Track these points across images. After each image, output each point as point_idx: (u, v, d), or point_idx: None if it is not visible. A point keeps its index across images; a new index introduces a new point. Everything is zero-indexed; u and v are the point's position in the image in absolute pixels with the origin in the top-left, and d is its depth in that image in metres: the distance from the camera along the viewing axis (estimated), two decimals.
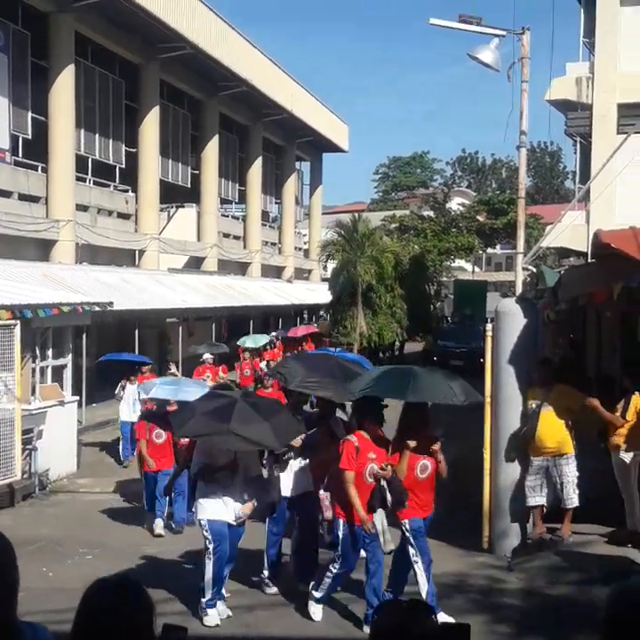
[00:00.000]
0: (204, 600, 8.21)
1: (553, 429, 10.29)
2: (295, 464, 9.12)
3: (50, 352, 16.22)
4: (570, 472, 10.42)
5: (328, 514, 8.35)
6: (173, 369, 19.48)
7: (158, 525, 12.06)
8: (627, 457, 10.35)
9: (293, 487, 9.10)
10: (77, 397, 17.63)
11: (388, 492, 7.74)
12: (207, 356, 21.15)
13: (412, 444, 7.82)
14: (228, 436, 7.60)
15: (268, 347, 27.36)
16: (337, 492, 7.90)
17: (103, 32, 26.67)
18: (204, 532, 8.18)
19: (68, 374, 16.81)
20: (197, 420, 7.85)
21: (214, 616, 8.15)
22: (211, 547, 8.18)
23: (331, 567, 8.04)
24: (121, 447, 17.29)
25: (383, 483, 7.72)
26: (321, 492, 8.55)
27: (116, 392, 17.58)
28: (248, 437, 7.65)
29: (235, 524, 8.29)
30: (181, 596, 8.79)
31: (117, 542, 11.70)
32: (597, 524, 10.63)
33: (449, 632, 2.67)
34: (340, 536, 7.81)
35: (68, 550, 11.16)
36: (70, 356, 16.94)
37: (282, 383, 8.98)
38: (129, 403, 16.80)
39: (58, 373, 16.58)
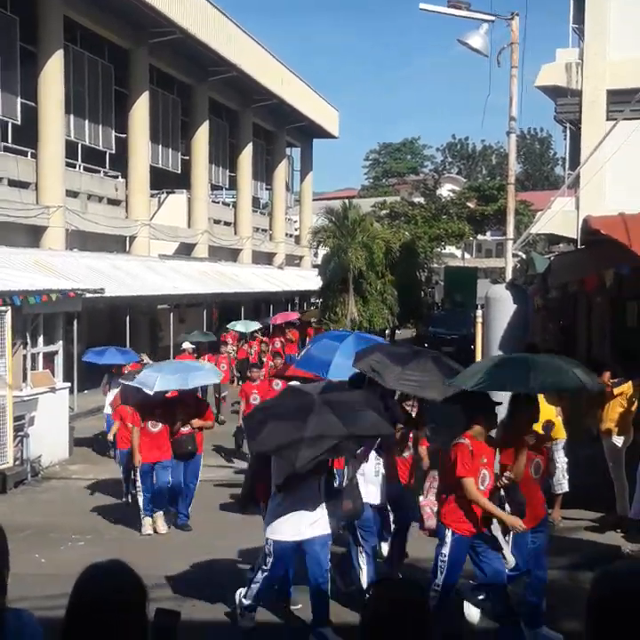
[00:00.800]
0: (244, 601, 7.64)
1: (543, 415, 10.35)
2: (369, 466, 8.26)
3: (41, 339, 16.21)
4: (560, 458, 10.50)
5: (430, 522, 7.40)
6: (146, 359, 18.32)
7: (148, 523, 11.34)
8: (618, 441, 10.44)
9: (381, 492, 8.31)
10: (69, 384, 17.64)
11: (506, 503, 6.95)
12: (186, 345, 20.93)
13: (531, 440, 7.10)
14: (349, 442, 6.91)
15: (257, 334, 27.45)
16: (449, 499, 6.93)
17: (92, 17, 26.50)
18: (267, 547, 7.40)
19: (59, 361, 16.82)
20: (309, 441, 6.69)
21: (250, 620, 7.71)
22: (269, 563, 7.39)
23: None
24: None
25: (501, 492, 6.96)
26: (421, 498, 7.66)
27: (103, 385, 17.00)
28: (366, 434, 7.15)
29: (310, 536, 7.35)
30: (174, 581, 8.83)
31: (110, 528, 11.74)
32: (587, 509, 10.71)
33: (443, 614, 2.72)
34: (448, 546, 6.87)
35: (60, 536, 11.19)
36: (61, 342, 16.94)
37: (378, 380, 7.85)
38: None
39: (49, 360, 16.59)
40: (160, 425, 11.36)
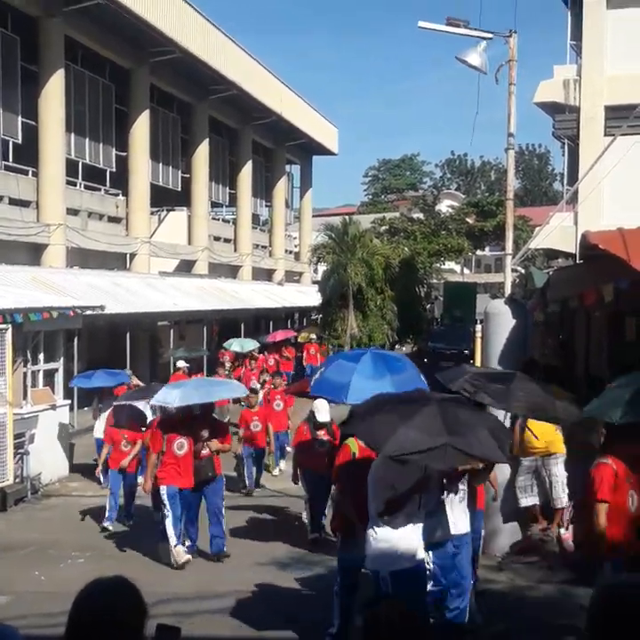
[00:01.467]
0: None
1: (541, 429, 10.37)
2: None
3: (41, 356, 16.24)
4: (559, 472, 10.51)
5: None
6: (135, 380, 17.37)
7: (180, 553, 10.50)
8: None
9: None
10: (69, 401, 17.65)
11: None
12: (181, 363, 20.10)
13: None
14: (444, 452, 5.89)
15: (255, 355, 26.20)
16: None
17: (93, 36, 26.66)
18: (382, 584, 6.51)
19: (59, 378, 16.83)
20: (402, 436, 5.94)
21: None
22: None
23: None
24: (100, 469, 14.79)
25: None
26: (562, 531, 7.02)
27: (93, 408, 15.80)
28: (470, 452, 6.03)
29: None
30: (175, 598, 8.83)
31: (109, 545, 11.72)
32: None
33: (444, 631, 2.74)
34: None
35: (60, 554, 11.17)
36: (62, 359, 16.96)
37: (483, 401, 6.93)
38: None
39: (49, 377, 16.60)
40: (186, 447, 10.62)
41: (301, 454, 11.85)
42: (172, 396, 10.63)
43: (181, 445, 10.67)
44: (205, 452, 10.90)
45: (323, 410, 11.17)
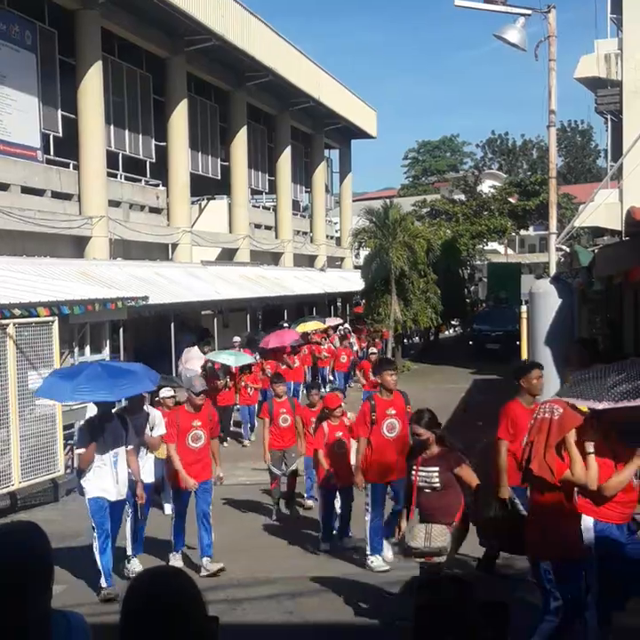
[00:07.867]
0: None
1: None
2: None
3: (88, 348, 16.41)
4: None
5: None
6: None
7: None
8: None
9: None
10: None
11: None
12: (166, 392, 12.60)
13: None
14: None
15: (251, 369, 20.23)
16: None
17: (129, 27, 26.76)
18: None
19: None
20: None
21: None
22: None
23: None
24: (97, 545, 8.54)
25: None
26: None
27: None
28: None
29: None
30: (229, 585, 8.87)
31: (163, 533, 11.79)
32: None
33: (489, 610, 2.69)
34: None
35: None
36: (108, 350, 17.11)
37: None
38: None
39: None
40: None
41: None
42: None
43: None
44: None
45: None
